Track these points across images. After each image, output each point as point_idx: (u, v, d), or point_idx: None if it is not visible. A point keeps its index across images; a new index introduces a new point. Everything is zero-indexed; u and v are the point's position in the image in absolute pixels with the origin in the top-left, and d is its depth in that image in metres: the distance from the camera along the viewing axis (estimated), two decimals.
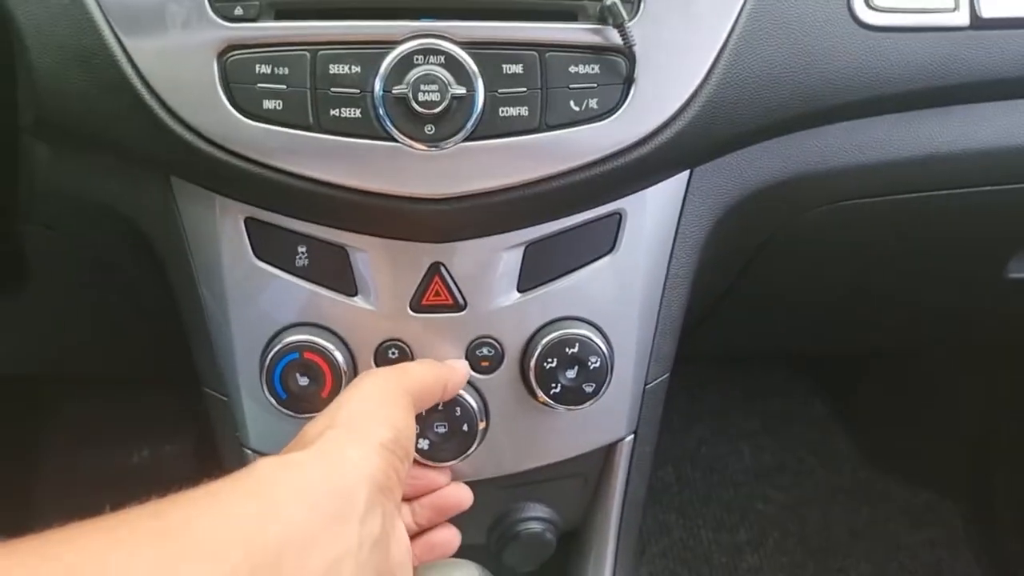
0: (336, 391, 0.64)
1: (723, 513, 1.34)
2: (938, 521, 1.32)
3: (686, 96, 0.59)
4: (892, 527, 1.32)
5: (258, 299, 0.64)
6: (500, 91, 0.57)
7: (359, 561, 0.45)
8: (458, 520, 0.65)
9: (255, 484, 0.44)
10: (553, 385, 0.64)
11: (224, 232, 0.63)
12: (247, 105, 0.57)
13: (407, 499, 0.63)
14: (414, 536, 0.63)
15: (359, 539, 0.45)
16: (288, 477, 0.45)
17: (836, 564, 1.28)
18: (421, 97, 0.56)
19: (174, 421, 1.28)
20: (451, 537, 0.64)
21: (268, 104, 0.57)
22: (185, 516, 0.41)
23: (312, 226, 0.62)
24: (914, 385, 1.38)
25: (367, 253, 0.63)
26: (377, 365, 0.65)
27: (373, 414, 0.52)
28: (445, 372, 0.62)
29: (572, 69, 0.57)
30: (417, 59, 0.56)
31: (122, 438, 1.29)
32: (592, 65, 0.58)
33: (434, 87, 0.56)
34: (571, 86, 0.58)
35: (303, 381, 0.63)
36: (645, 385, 0.70)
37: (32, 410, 1.30)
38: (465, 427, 0.65)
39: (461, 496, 0.65)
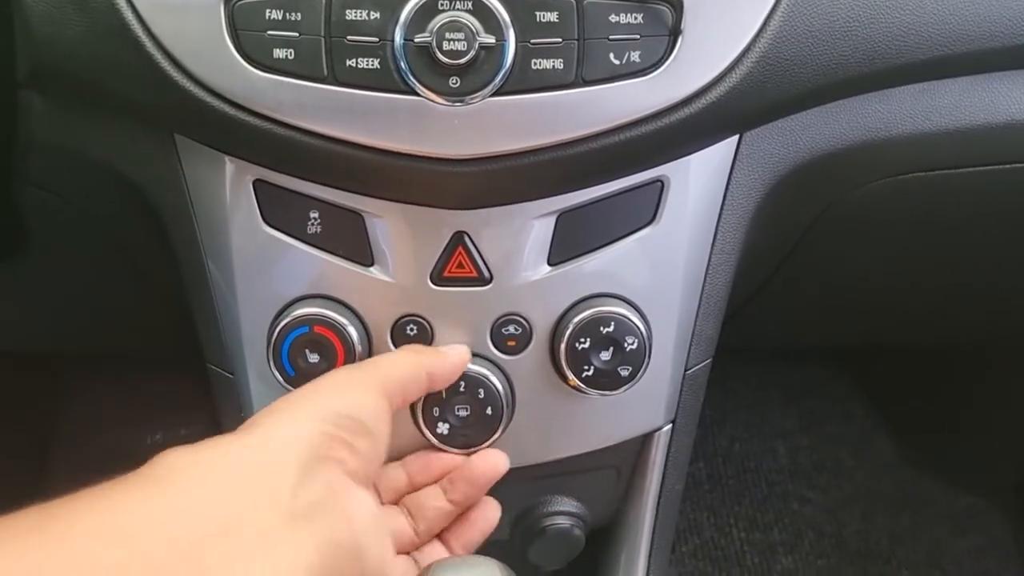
0: None
1: (756, 513, 1.30)
2: (983, 528, 1.27)
3: (737, 51, 0.55)
4: (935, 533, 1.27)
5: (266, 268, 0.61)
6: (532, 41, 0.53)
7: (296, 531, 0.44)
8: None
9: (164, 473, 0.44)
10: (585, 368, 0.60)
11: (231, 195, 0.59)
12: (256, 54, 0.53)
13: (430, 481, 0.61)
14: (455, 520, 0.60)
15: (291, 510, 0.44)
16: (200, 462, 0.45)
17: (876, 570, 1.23)
18: (446, 46, 0.52)
19: (189, 404, 1.25)
20: (489, 512, 0.61)
21: (278, 53, 0.53)
22: (91, 510, 0.41)
23: (326, 189, 0.58)
24: (958, 384, 1.34)
25: (385, 220, 0.59)
26: (394, 342, 0.61)
27: (311, 397, 0.51)
28: (426, 360, 0.58)
29: (612, 18, 0.53)
30: (442, 5, 0.52)
31: (136, 421, 1.27)
32: (635, 14, 0.53)
33: (460, 36, 0.52)
34: (611, 37, 0.53)
35: (313, 358, 0.60)
36: (685, 370, 0.66)
37: (46, 391, 1.29)
38: (489, 410, 0.61)
39: (492, 461, 0.60)
